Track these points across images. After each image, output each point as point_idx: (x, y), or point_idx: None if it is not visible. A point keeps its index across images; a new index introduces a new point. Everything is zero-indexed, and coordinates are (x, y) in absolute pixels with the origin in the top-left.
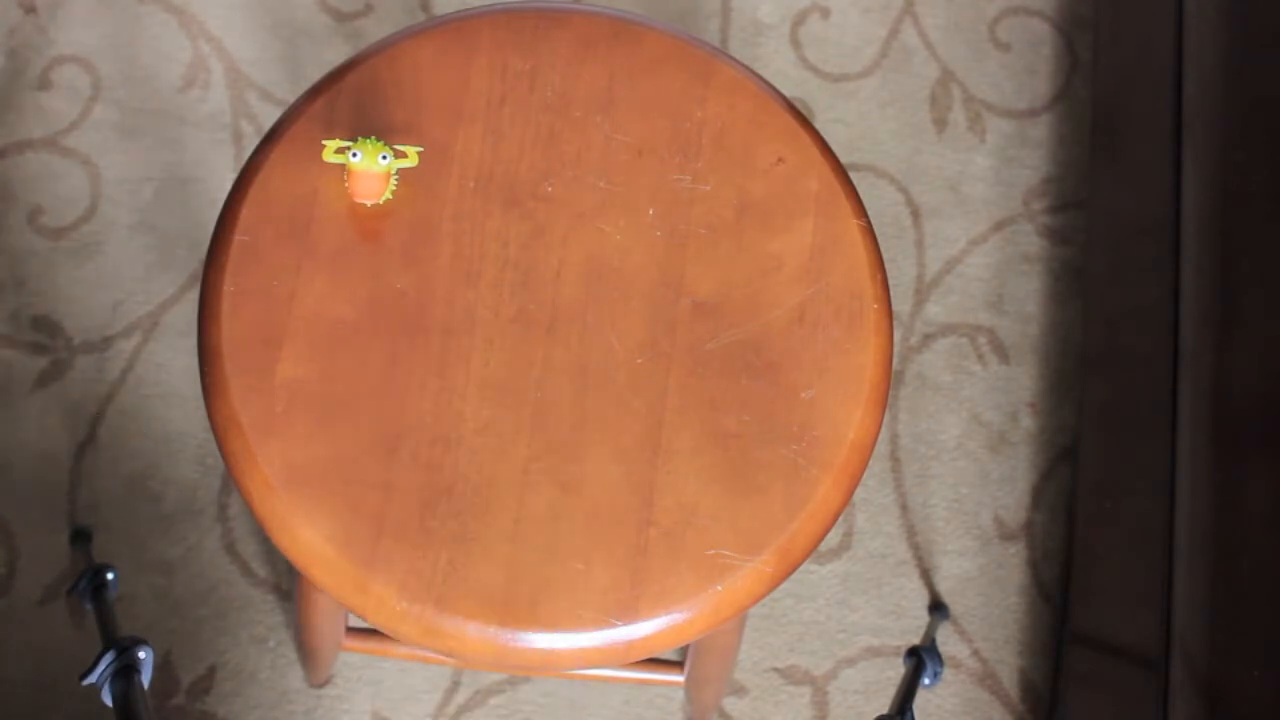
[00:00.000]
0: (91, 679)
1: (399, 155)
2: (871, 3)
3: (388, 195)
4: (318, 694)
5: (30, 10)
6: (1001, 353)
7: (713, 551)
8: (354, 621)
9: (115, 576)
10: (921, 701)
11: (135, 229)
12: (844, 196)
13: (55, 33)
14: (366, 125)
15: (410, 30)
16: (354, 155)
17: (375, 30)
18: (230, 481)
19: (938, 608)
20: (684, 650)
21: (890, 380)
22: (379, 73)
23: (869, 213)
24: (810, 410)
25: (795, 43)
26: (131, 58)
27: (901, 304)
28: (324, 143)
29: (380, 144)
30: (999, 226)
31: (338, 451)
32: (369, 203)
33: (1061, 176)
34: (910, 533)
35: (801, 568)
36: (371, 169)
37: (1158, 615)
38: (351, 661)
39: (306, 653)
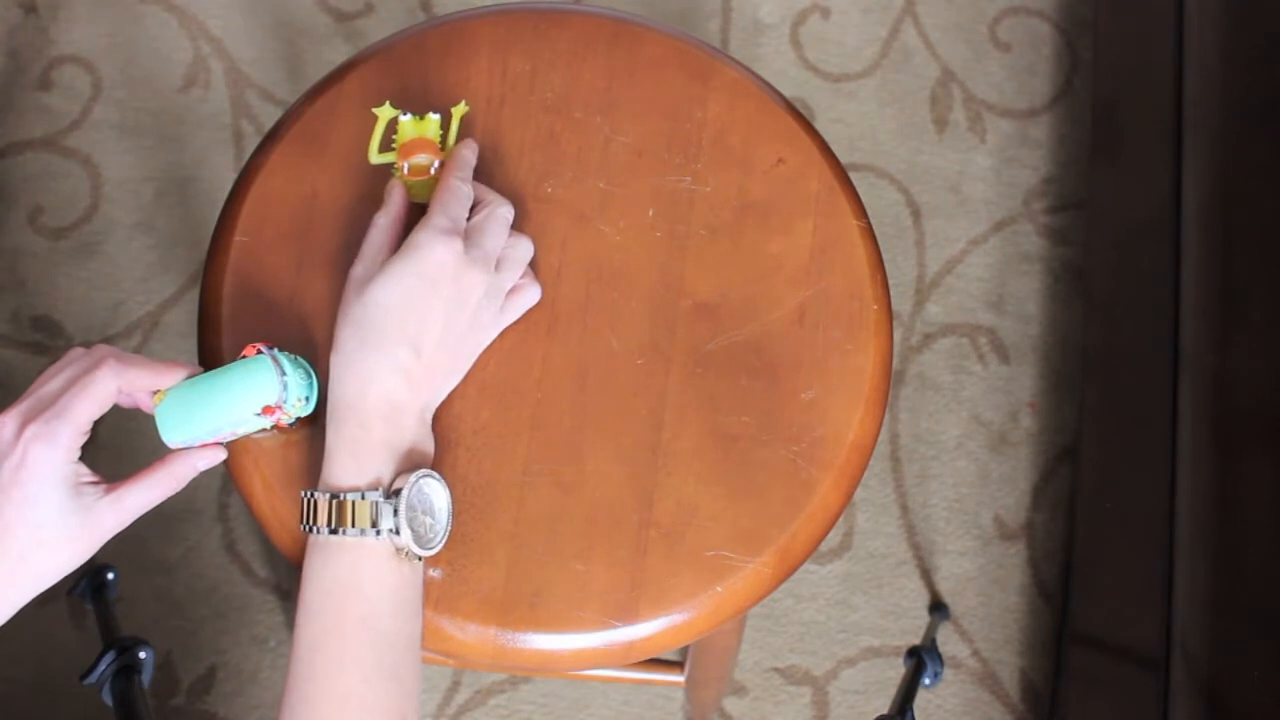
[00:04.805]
0: (91, 679)
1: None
2: (871, 3)
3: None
4: None
5: (30, 10)
6: (1001, 353)
7: (713, 552)
8: None
9: (115, 576)
10: (921, 701)
11: (135, 229)
12: (844, 197)
13: (55, 33)
14: (366, 125)
15: (410, 30)
16: (404, 115)
17: (375, 30)
18: (230, 481)
19: (938, 608)
20: (684, 650)
21: (890, 380)
22: (378, 73)
23: (869, 213)
24: (810, 411)
25: (795, 43)
26: (132, 58)
27: (901, 304)
28: (374, 111)
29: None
30: (999, 226)
31: None
32: (432, 162)
33: (1061, 176)
34: (910, 533)
35: (801, 568)
36: (425, 133)
37: (1158, 615)
38: None
39: None
